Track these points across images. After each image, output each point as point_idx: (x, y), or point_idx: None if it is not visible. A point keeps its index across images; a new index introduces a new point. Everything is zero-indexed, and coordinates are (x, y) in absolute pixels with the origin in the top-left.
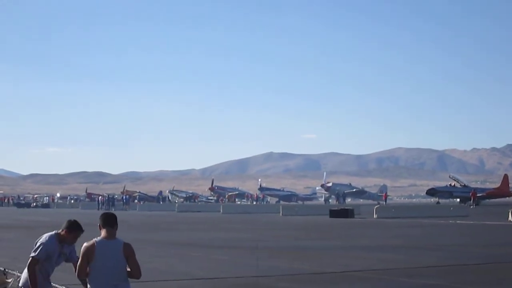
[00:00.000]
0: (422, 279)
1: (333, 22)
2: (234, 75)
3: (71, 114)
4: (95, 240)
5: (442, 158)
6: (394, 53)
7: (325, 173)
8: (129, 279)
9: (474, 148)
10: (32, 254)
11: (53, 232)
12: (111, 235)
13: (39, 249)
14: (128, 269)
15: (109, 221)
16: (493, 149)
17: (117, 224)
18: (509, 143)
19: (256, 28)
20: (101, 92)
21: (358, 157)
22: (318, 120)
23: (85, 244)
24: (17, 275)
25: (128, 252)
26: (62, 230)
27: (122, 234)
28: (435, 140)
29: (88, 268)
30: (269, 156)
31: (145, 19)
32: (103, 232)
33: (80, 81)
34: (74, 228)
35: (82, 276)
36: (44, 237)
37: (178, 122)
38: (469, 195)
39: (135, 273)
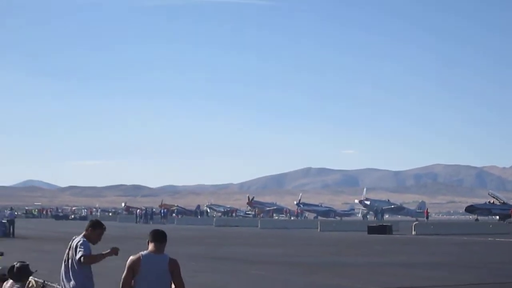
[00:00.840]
0: None
1: (379, 31)
2: (273, 90)
3: (111, 127)
4: (141, 254)
5: (481, 175)
6: (433, 69)
7: (365, 189)
8: None
9: None
10: (81, 253)
11: (81, 235)
12: (158, 249)
13: (83, 247)
14: (173, 286)
15: (158, 236)
16: None
17: (166, 241)
18: None
19: (300, 43)
20: (139, 107)
21: (396, 173)
22: (357, 135)
23: (131, 257)
24: (56, 287)
25: (174, 267)
26: (87, 230)
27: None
28: (474, 157)
29: (133, 281)
30: (307, 172)
31: (184, 40)
32: (150, 246)
33: (119, 95)
34: (98, 226)
35: None
36: (78, 238)
37: (216, 137)
38: (508, 212)
39: None
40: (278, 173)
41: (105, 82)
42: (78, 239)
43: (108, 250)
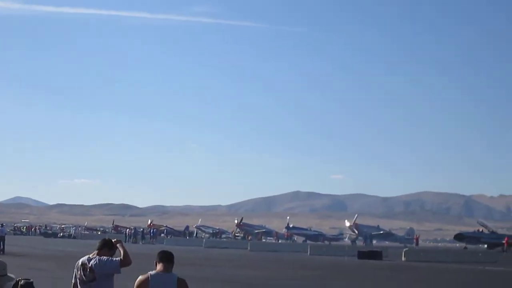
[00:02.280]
0: None
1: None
2: (263, 112)
3: (100, 146)
4: (150, 273)
5: (469, 204)
6: (419, 94)
7: (356, 215)
8: None
9: (501, 195)
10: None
11: (94, 254)
12: (166, 269)
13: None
14: None
15: (166, 257)
16: None
17: (173, 261)
18: None
19: (285, 65)
20: (129, 125)
21: (385, 199)
22: (345, 161)
23: (140, 277)
24: None
25: (182, 286)
26: (101, 250)
27: (151, 268)
28: (462, 185)
29: None
30: (295, 195)
31: (169, 56)
32: (159, 267)
33: (108, 112)
34: (113, 247)
35: None
36: (95, 257)
37: (205, 158)
38: (496, 241)
39: None
40: (267, 195)
41: (94, 98)
42: (99, 258)
43: (119, 245)
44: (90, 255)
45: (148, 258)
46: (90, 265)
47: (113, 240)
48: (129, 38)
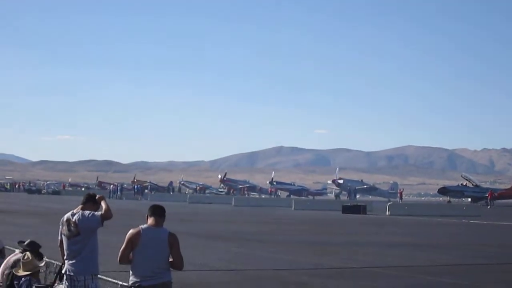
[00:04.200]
0: (441, 277)
1: (347, 15)
2: (246, 67)
3: (83, 102)
4: (141, 227)
5: (452, 158)
6: (407, 49)
7: (337, 169)
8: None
9: (484, 148)
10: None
11: (78, 208)
12: (158, 223)
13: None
14: (171, 259)
15: (157, 211)
16: (504, 150)
17: (165, 215)
18: None
19: (267, 20)
20: (113, 81)
21: (368, 153)
22: (329, 115)
23: (131, 230)
24: (47, 261)
25: (173, 241)
26: (85, 204)
27: (139, 223)
28: (445, 139)
29: (131, 254)
30: (279, 150)
31: (159, 11)
32: (150, 220)
33: (92, 68)
34: (94, 200)
35: (125, 261)
36: (79, 212)
37: (188, 113)
38: (480, 195)
39: (178, 264)
40: (250, 151)
41: (78, 53)
42: (82, 212)
43: (102, 202)
44: (74, 210)
45: (133, 214)
46: (74, 220)
47: (96, 197)
48: None
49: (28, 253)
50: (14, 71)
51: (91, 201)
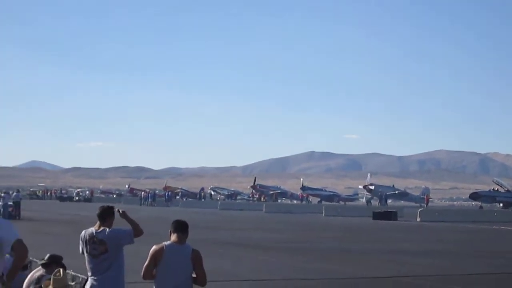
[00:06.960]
0: (472, 287)
1: (382, 16)
2: (277, 73)
3: (115, 108)
4: (165, 244)
5: (484, 162)
6: (438, 52)
7: (369, 174)
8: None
9: None
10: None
11: (97, 225)
12: (181, 240)
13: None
14: (194, 275)
15: (181, 227)
16: None
17: (188, 231)
18: None
19: (303, 24)
20: (145, 87)
21: (400, 158)
22: (360, 120)
23: (154, 247)
24: (73, 274)
25: (196, 258)
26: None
27: (167, 231)
28: (477, 143)
29: (154, 270)
30: (310, 155)
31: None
32: (173, 237)
33: (124, 75)
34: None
35: (148, 277)
36: (99, 229)
37: (220, 119)
38: None
39: (201, 280)
40: (281, 156)
41: (111, 58)
42: (110, 229)
43: (125, 217)
44: (95, 227)
45: (164, 222)
46: (100, 238)
47: (120, 211)
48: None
49: (61, 269)
50: (48, 79)
51: (110, 215)
